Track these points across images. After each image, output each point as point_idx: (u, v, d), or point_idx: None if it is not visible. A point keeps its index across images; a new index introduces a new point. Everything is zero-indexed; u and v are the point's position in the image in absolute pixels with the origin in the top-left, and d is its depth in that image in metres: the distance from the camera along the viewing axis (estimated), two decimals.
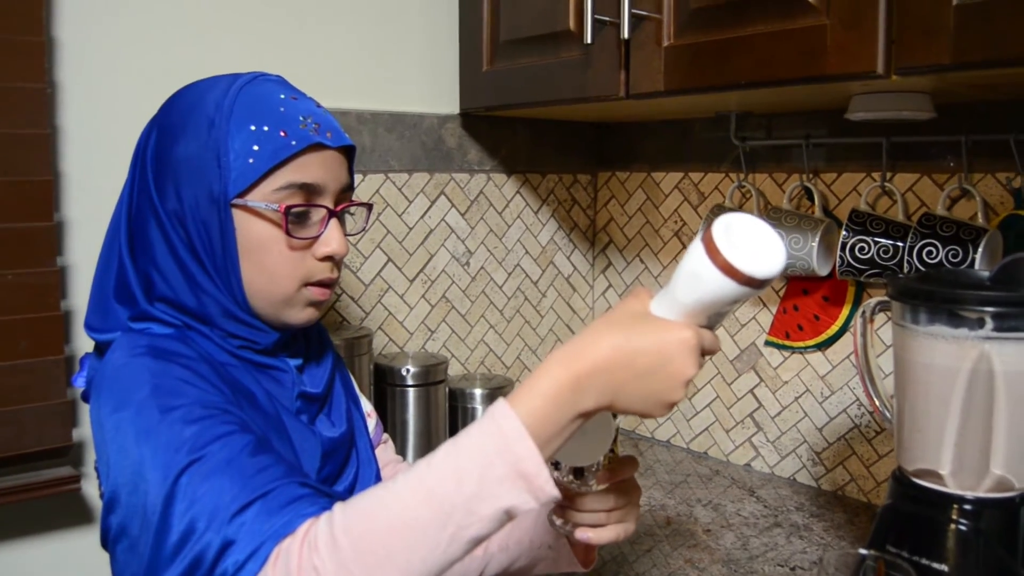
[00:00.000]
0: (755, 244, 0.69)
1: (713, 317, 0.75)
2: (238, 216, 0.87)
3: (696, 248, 0.70)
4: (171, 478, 0.73)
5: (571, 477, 0.89)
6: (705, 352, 0.74)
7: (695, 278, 0.70)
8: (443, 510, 0.67)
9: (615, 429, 0.87)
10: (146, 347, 0.85)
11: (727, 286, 0.69)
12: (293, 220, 0.88)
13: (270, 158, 0.87)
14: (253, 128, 0.87)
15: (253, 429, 0.81)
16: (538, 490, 0.68)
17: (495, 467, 0.67)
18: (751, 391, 1.68)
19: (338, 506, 0.70)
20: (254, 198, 0.87)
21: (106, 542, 0.84)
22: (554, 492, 0.69)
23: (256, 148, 0.86)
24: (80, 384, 0.97)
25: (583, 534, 0.90)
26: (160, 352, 0.84)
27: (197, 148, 0.87)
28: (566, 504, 0.90)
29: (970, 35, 0.93)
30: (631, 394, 0.72)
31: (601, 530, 0.90)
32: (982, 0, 0.94)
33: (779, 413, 1.64)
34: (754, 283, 0.69)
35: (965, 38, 0.94)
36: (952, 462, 1.00)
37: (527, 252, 1.85)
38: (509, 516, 0.69)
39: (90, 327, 0.93)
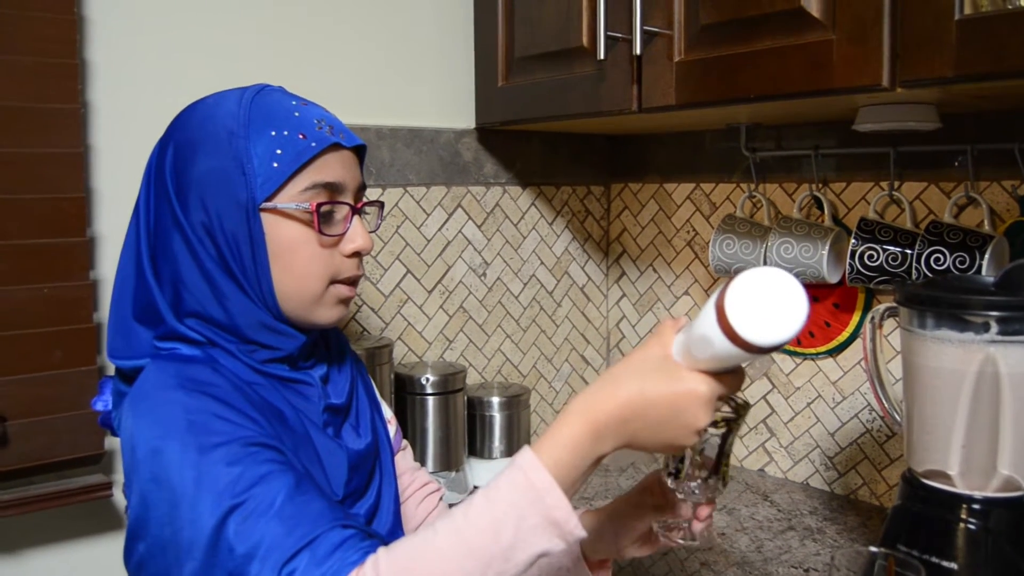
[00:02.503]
0: (771, 306, 0.68)
1: (735, 365, 0.75)
2: (267, 220, 0.90)
3: (708, 311, 0.71)
4: (216, 519, 0.76)
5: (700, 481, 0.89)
6: (723, 397, 0.77)
7: (706, 342, 0.71)
8: (483, 561, 0.72)
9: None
10: (176, 377, 0.87)
11: (735, 352, 0.70)
12: (321, 219, 0.92)
13: (294, 160, 0.90)
14: (273, 134, 0.90)
15: (290, 463, 0.83)
16: (568, 534, 0.73)
17: (528, 518, 0.72)
18: (764, 397, 1.71)
19: (382, 555, 0.74)
20: (282, 200, 0.90)
21: (128, 563, 0.87)
22: (581, 533, 0.74)
23: (279, 152, 0.89)
24: (100, 408, 0.99)
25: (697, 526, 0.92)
26: (191, 383, 0.86)
27: (219, 159, 0.89)
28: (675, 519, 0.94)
29: (972, 48, 0.96)
30: (645, 440, 0.76)
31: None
32: (983, 15, 0.97)
33: (792, 419, 1.67)
34: (764, 351, 0.69)
35: (967, 51, 0.97)
36: (960, 463, 1.03)
37: (542, 263, 1.89)
38: (541, 558, 0.74)
39: (113, 354, 0.95)
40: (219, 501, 0.77)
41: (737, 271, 1.12)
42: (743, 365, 0.77)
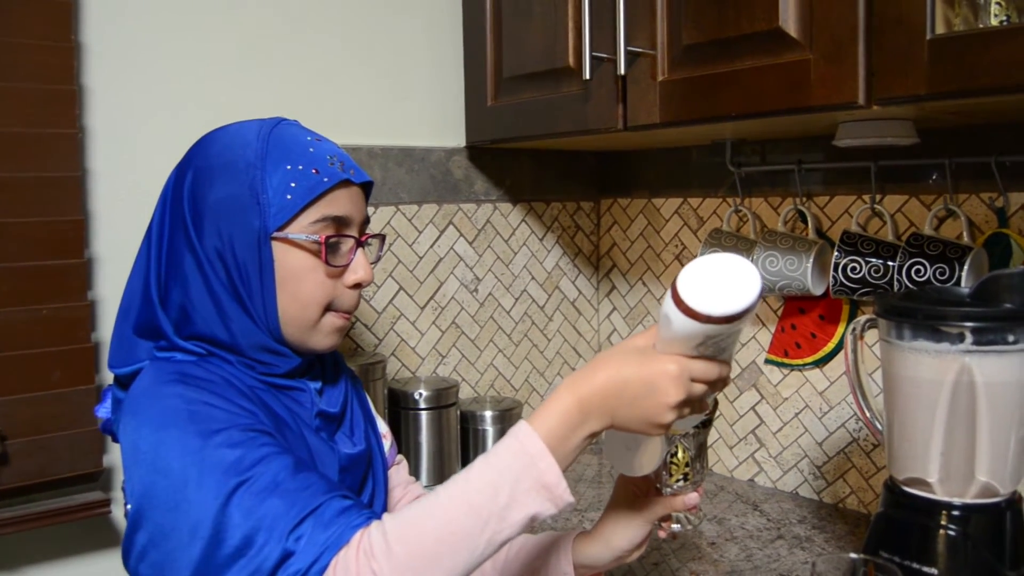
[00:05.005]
0: (723, 284, 0.76)
1: (704, 348, 0.81)
2: (277, 248, 0.95)
3: (668, 291, 0.79)
4: (222, 497, 0.80)
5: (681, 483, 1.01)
6: (700, 380, 0.83)
7: (667, 319, 0.79)
8: (481, 518, 0.78)
9: (663, 448, 0.96)
10: (174, 373, 0.91)
11: (692, 325, 0.77)
12: (328, 250, 0.96)
13: (307, 194, 0.94)
14: (289, 167, 0.95)
15: (286, 448, 0.87)
16: (558, 498, 0.80)
17: (522, 481, 0.79)
18: (753, 408, 1.73)
19: (388, 517, 0.80)
20: (293, 231, 0.95)
21: (128, 559, 0.89)
22: (570, 499, 0.81)
23: (293, 185, 0.94)
24: (102, 415, 1.02)
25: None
26: (188, 378, 0.91)
27: (236, 188, 0.94)
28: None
29: (943, 67, 0.99)
30: (625, 417, 0.83)
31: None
32: (954, 35, 1.00)
33: (780, 429, 1.69)
34: (715, 320, 0.76)
35: (939, 70, 1.00)
36: (939, 470, 1.05)
37: (533, 278, 1.92)
38: (533, 521, 0.80)
39: (113, 365, 0.99)
40: (224, 480, 0.81)
41: None
42: (708, 344, 0.82)
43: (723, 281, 0.76)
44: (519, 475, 0.79)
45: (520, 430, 0.81)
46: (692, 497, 0.99)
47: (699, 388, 0.84)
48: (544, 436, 0.80)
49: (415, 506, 0.81)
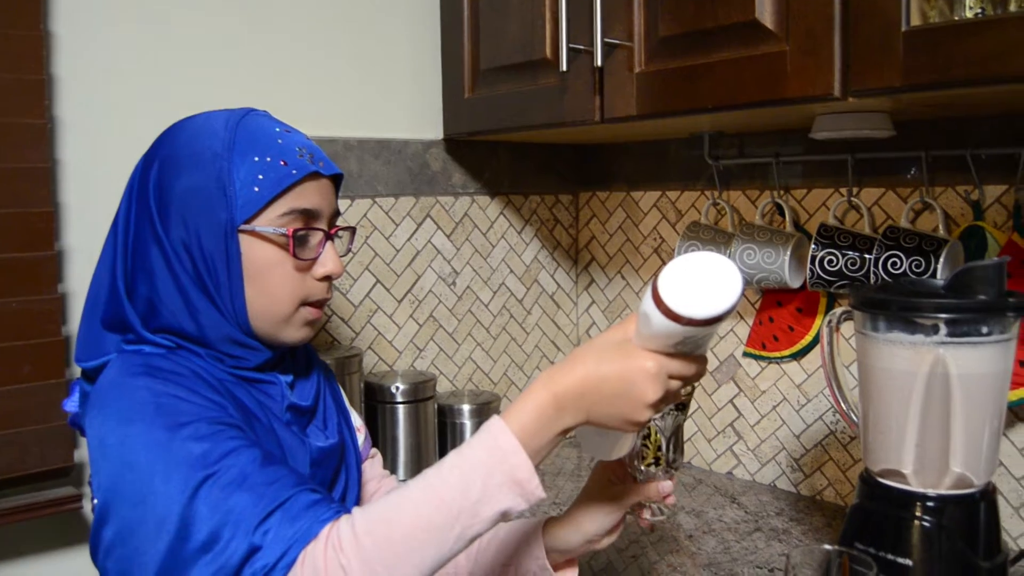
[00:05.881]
0: (703, 285, 0.75)
1: (682, 346, 0.81)
2: (244, 241, 0.93)
3: (648, 288, 0.77)
4: (189, 491, 0.79)
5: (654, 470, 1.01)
6: (676, 376, 0.82)
7: (646, 318, 0.78)
8: (452, 513, 0.77)
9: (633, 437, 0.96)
10: (142, 366, 0.90)
11: (671, 326, 0.76)
12: (296, 243, 0.95)
13: (274, 186, 0.93)
14: (256, 159, 0.93)
15: (255, 441, 0.86)
16: (529, 494, 0.80)
17: (494, 476, 0.79)
18: (731, 401, 1.73)
19: (357, 511, 0.80)
20: (261, 224, 0.93)
21: (95, 554, 0.88)
22: (542, 494, 0.80)
23: (261, 177, 0.93)
24: (70, 408, 1.01)
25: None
26: (156, 370, 0.89)
27: (202, 179, 0.92)
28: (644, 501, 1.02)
29: (918, 59, 1.00)
30: (601, 413, 0.82)
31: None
32: (928, 27, 1.00)
33: (758, 422, 1.69)
34: (695, 323, 0.75)
35: (913, 62, 1.00)
36: (914, 462, 1.06)
37: (512, 271, 1.91)
38: (504, 517, 0.80)
39: (80, 359, 0.98)
40: (191, 474, 0.80)
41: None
42: (687, 342, 0.81)
43: (704, 282, 0.75)
44: (491, 470, 0.78)
45: (493, 425, 0.81)
46: (666, 486, 0.98)
47: (675, 384, 0.83)
48: (517, 432, 0.80)
49: (386, 500, 0.80)
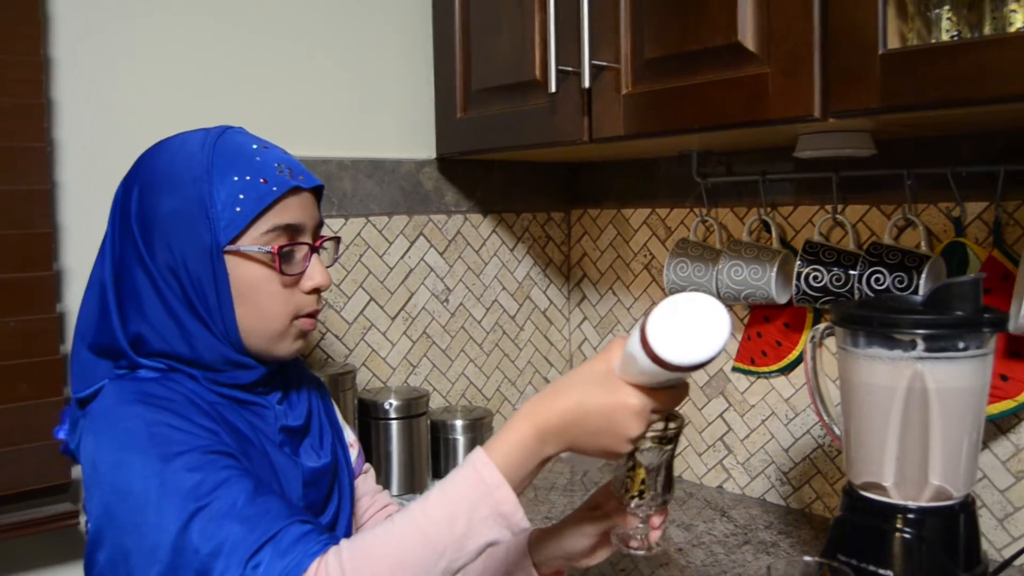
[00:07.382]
0: (691, 331, 0.75)
1: (666, 383, 0.81)
2: (230, 262, 0.94)
3: (636, 330, 0.77)
4: (181, 522, 0.80)
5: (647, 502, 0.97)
6: (659, 411, 0.83)
7: (633, 359, 0.78)
8: (437, 549, 0.79)
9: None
10: (135, 393, 0.91)
11: (658, 369, 0.76)
12: (282, 259, 0.96)
13: (256, 205, 0.94)
14: (236, 179, 0.94)
15: (248, 470, 0.87)
16: (514, 525, 0.81)
17: (479, 511, 0.80)
18: (721, 415, 1.75)
19: (344, 545, 0.80)
20: (245, 243, 0.94)
21: (89, 574, 0.89)
22: (526, 525, 0.81)
23: (242, 197, 0.93)
24: (62, 436, 1.02)
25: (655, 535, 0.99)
26: (149, 397, 0.90)
27: (183, 201, 0.93)
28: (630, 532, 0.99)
29: (895, 81, 1.02)
30: (584, 446, 0.83)
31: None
32: (905, 50, 1.03)
33: (748, 436, 1.71)
34: (682, 369, 0.75)
35: (891, 84, 1.02)
36: (894, 474, 1.08)
37: (504, 288, 1.93)
38: (489, 547, 0.81)
39: (77, 391, 0.98)
40: (183, 505, 0.81)
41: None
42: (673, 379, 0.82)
43: (692, 328, 0.75)
44: (476, 505, 0.79)
45: (476, 458, 0.82)
46: (654, 521, 0.97)
47: (656, 416, 0.84)
48: (501, 465, 0.81)
49: (373, 534, 0.81)
